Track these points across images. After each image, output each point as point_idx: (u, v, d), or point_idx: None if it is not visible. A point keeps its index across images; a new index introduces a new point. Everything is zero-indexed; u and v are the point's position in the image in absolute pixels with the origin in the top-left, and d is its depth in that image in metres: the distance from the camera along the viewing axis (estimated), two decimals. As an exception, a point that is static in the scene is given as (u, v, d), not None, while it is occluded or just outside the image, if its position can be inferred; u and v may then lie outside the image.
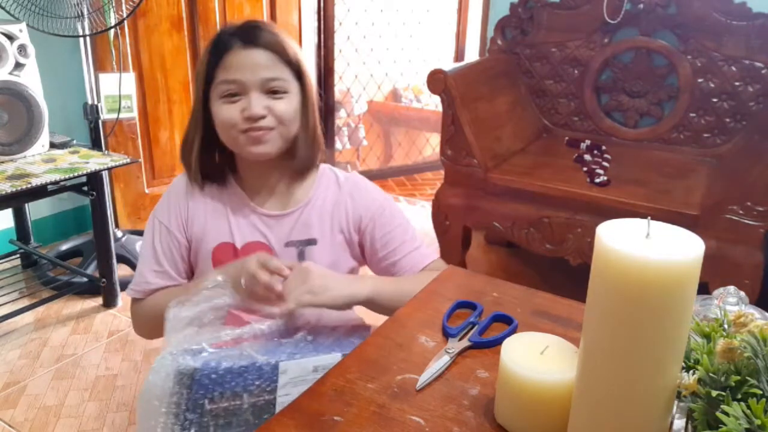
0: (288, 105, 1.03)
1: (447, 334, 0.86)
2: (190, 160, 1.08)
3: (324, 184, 1.14)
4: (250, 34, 1.01)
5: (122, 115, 2.46)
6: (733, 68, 2.14)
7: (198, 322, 0.91)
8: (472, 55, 3.33)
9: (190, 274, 1.15)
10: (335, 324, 1.03)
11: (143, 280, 1.12)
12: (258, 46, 1.01)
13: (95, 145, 2.30)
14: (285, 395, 0.83)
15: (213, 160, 1.10)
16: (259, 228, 1.10)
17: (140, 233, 2.58)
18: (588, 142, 2.32)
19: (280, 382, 0.85)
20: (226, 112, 1.01)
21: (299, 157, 1.08)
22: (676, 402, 0.58)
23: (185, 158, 1.09)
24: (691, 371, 0.58)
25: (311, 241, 1.11)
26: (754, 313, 0.65)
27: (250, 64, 1.00)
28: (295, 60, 1.04)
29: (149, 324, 1.11)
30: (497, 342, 0.82)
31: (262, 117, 1.01)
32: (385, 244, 1.13)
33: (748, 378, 0.54)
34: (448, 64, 2.13)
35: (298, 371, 0.85)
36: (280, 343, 0.88)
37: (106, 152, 2.23)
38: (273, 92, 1.02)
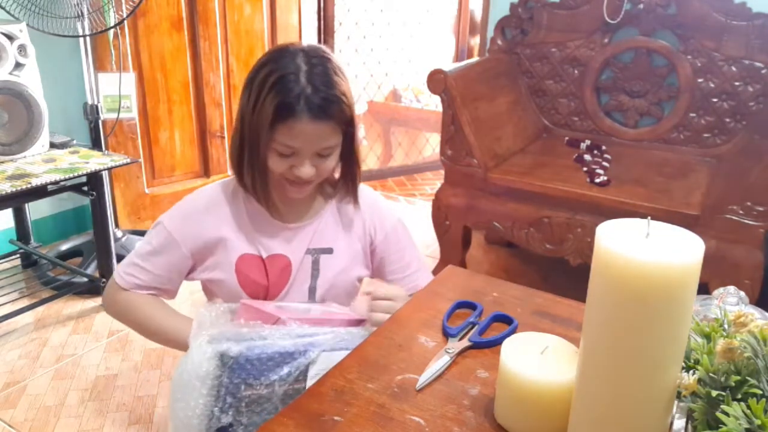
0: (333, 161, 1.07)
1: (447, 334, 0.86)
2: (240, 169, 1.09)
3: (341, 195, 1.18)
4: (319, 108, 0.99)
5: (122, 115, 2.45)
6: (733, 68, 2.14)
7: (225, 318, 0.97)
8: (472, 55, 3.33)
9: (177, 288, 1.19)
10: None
11: (130, 270, 1.13)
12: (324, 120, 1.00)
13: (95, 145, 2.30)
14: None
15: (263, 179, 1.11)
16: (281, 240, 1.13)
17: (140, 233, 2.58)
18: (588, 142, 2.32)
19: (310, 372, 0.88)
20: (276, 165, 1.04)
21: (335, 190, 1.16)
22: (676, 402, 0.58)
23: (236, 168, 1.11)
24: (691, 371, 0.58)
25: (327, 250, 1.15)
26: (754, 313, 0.65)
27: (313, 135, 1.01)
28: (350, 118, 1.05)
29: (119, 313, 1.16)
30: (497, 342, 0.82)
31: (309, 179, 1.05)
32: (394, 261, 1.19)
33: (748, 378, 0.54)
34: (448, 64, 2.13)
35: (327, 363, 0.87)
36: (312, 335, 0.92)
37: (106, 152, 2.23)
38: (322, 155, 1.05)
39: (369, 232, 1.18)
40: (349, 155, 1.10)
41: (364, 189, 1.21)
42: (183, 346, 1.02)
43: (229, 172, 1.22)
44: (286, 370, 0.87)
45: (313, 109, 0.99)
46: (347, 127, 1.05)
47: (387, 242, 1.18)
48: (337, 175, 1.14)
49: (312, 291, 1.14)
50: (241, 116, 1.06)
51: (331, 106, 1.00)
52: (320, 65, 1.02)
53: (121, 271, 1.14)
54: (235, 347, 0.85)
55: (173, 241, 1.11)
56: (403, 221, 1.22)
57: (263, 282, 1.11)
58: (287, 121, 0.99)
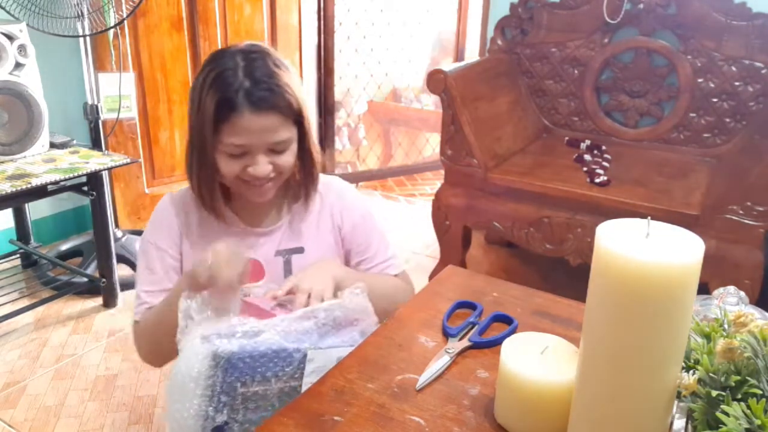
0: (289, 156, 1.04)
1: (447, 334, 0.86)
2: (193, 182, 1.08)
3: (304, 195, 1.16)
4: (260, 99, 0.98)
5: (122, 115, 2.45)
6: (733, 68, 2.14)
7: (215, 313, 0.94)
8: (472, 55, 3.33)
9: None
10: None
11: (140, 302, 1.11)
12: (267, 111, 0.98)
13: (95, 145, 2.30)
14: (310, 383, 0.85)
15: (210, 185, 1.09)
16: (251, 245, 1.11)
17: (140, 233, 2.57)
18: (588, 142, 2.32)
19: (306, 369, 0.87)
20: (229, 167, 1.01)
21: (300, 191, 1.12)
22: (676, 402, 0.58)
23: (188, 176, 1.09)
24: (691, 371, 0.58)
25: (298, 250, 1.13)
26: (754, 313, 0.65)
27: (258, 129, 0.98)
28: (298, 111, 1.03)
29: (149, 344, 1.10)
30: (497, 342, 0.82)
31: (266, 175, 1.02)
32: (361, 251, 1.17)
33: (748, 378, 0.54)
34: (448, 64, 2.13)
35: (324, 360, 0.87)
36: (306, 330, 0.90)
37: (106, 152, 2.23)
38: (276, 151, 1.02)
39: (337, 223, 1.16)
40: (304, 152, 1.08)
41: (333, 180, 1.20)
42: None
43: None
44: (280, 365, 0.86)
45: (254, 101, 0.97)
46: (297, 119, 1.03)
47: (354, 233, 1.17)
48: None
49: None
50: (189, 123, 1.05)
51: (273, 97, 0.98)
52: (259, 59, 1.00)
53: (135, 312, 1.12)
54: (227, 346, 0.84)
55: (154, 248, 1.10)
56: (373, 213, 1.21)
57: None
58: (230, 118, 0.97)
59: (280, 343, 0.87)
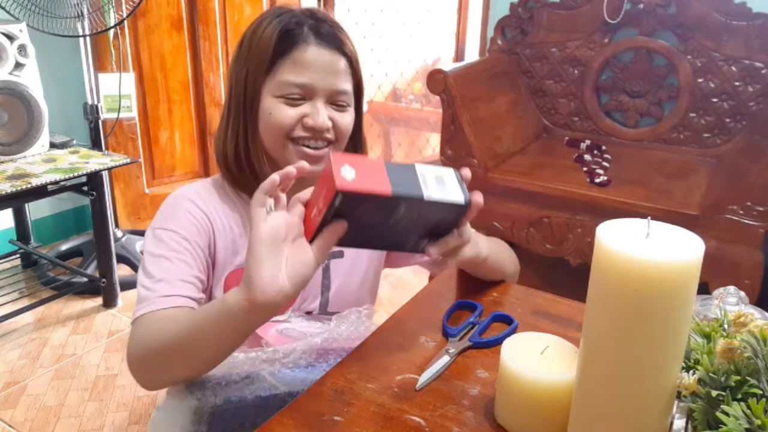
0: (350, 120, 0.94)
1: (447, 334, 0.86)
2: (227, 160, 0.92)
3: None
4: (328, 33, 0.88)
5: (122, 115, 2.45)
6: (733, 68, 2.14)
7: None
8: (472, 55, 3.33)
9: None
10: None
11: (147, 293, 0.84)
12: (335, 50, 0.89)
13: (95, 145, 2.30)
14: None
15: (242, 165, 0.92)
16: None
17: (140, 233, 2.58)
18: (588, 142, 2.32)
19: None
20: (283, 114, 0.87)
21: None
22: (676, 402, 0.58)
23: (223, 158, 0.93)
24: (691, 371, 0.58)
25: (336, 254, 1.01)
26: (754, 313, 0.65)
27: (325, 68, 0.87)
28: (360, 75, 0.94)
29: (145, 348, 0.79)
30: (497, 342, 0.82)
31: (327, 130, 0.90)
32: None
33: (748, 378, 0.54)
34: (448, 64, 2.13)
35: None
36: (300, 369, 0.83)
37: (106, 152, 2.23)
38: (337, 105, 0.91)
39: None
40: (356, 136, 0.98)
41: None
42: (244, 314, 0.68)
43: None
44: (271, 412, 0.74)
45: (321, 34, 0.87)
46: (357, 84, 0.94)
47: None
48: None
49: (323, 306, 0.99)
50: (230, 83, 0.91)
51: (341, 36, 0.89)
52: (324, 19, 0.91)
53: (139, 306, 0.85)
54: (211, 399, 0.77)
55: (183, 237, 0.87)
56: None
57: None
58: (292, 52, 0.86)
59: (271, 389, 0.79)
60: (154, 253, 0.86)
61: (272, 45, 0.86)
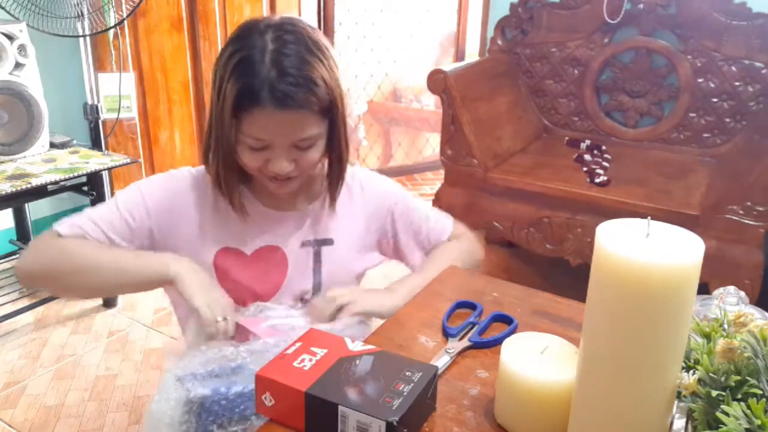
0: (315, 153, 0.95)
1: (447, 334, 0.86)
2: (209, 164, 1.00)
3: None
4: (285, 95, 0.87)
5: (122, 115, 2.45)
6: (733, 68, 2.14)
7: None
8: (472, 55, 3.33)
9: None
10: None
11: (80, 221, 0.98)
12: (293, 108, 0.88)
13: (95, 145, 2.30)
14: None
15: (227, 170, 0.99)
16: (272, 231, 1.03)
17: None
18: (588, 142, 2.32)
19: None
20: (250, 160, 0.93)
21: (329, 190, 1.04)
22: (676, 402, 0.58)
23: (204, 159, 1.01)
24: (691, 371, 0.58)
25: (327, 241, 1.05)
26: (754, 313, 0.65)
27: (286, 126, 0.89)
28: (329, 104, 0.92)
29: (49, 262, 0.97)
30: (497, 342, 0.82)
31: (288, 173, 0.95)
32: (407, 229, 1.12)
33: (748, 378, 0.54)
34: (448, 64, 2.13)
35: None
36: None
37: (106, 152, 2.23)
38: (300, 147, 0.93)
39: (372, 215, 1.09)
40: (333, 145, 0.98)
41: (356, 170, 1.11)
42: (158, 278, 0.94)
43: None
44: None
45: (279, 97, 0.86)
46: (329, 113, 0.93)
47: (396, 217, 1.10)
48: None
49: (316, 288, 1.04)
50: (211, 103, 0.95)
51: (301, 93, 0.87)
52: (291, 43, 0.89)
53: (63, 222, 0.98)
54: (200, 390, 0.79)
55: (144, 202, 0.99)
56: (401, 188, 1.15)
57: (249, 282, 1.01)
58: (251, 111, 0.88)
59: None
60: (118, 201, 1.00)
61: (232, 104, 0.89)
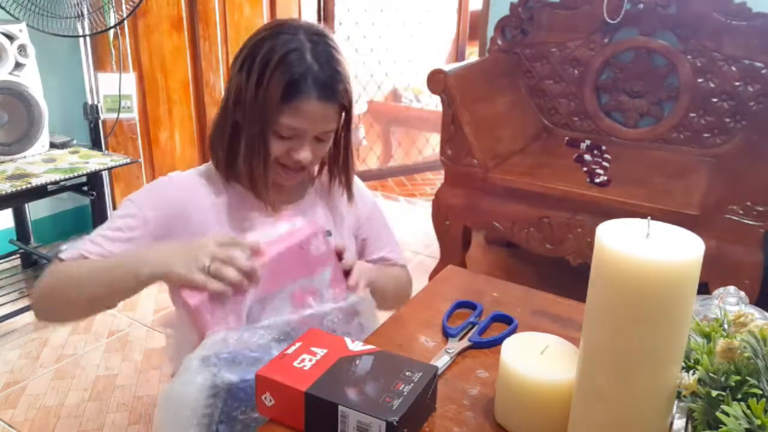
0: (327, 146, 1.04)
1: (447, 334, 0.86)
2: (218, 156, 1.04)
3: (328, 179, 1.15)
4: (330, 86, 0.96)
5: (122, 115, 2.46)
6: (733, 68, 2.14)
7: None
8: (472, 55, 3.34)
9: None
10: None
11: (78, 246, 0.98)
12: (331, 100, 0.97)
13: (95, 145, 2.30)
14: None
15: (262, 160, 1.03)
16: (270, 227, 1.05)
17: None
18: (588, 142, 2.32)
19: None
20: (275, 148, 0.99)
21: (345, 184, 1.11)
22: (676, 402, 0.58)
23: (215, 152, 1.04)
24: (691, 371, 0.58)
25: (327, 232, 1.08)
26: (754, 313, 0.65)
27: (320, 117, 0.97)
28: (349, 100, 1.02)
29: (60, 292, 0.96)
30: (497, 342, 0.82)
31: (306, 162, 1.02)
32: (373, 241, 1.19)
33: (748, 378, 0.54)
34: (448, 64, 2.13)
35: None
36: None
37: (106, 152, 2.23)
38: (320, 139, 1.01)
39: (355, 212, 1.15)
40: (342, 141, 1.06)
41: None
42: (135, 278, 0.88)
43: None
44: None
45: (322, 88, 0.95)
46: (347, 110, 1.02)
47: (369, 223, 1.18)
48: None
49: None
50: (235, 98, 0.99)
51: (338, 86, 0.97)
52: (323, 43, 0.98)
53: (63, 250, 0.99)
54: (227, 375, 0.79)
55: (143, 220, 0.99)
56: (378, 203, 1.23)
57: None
58: (294, 102, 0.95)
59: None
60: (110, 221, 1.02)
61: (279, 96, 0.94)
